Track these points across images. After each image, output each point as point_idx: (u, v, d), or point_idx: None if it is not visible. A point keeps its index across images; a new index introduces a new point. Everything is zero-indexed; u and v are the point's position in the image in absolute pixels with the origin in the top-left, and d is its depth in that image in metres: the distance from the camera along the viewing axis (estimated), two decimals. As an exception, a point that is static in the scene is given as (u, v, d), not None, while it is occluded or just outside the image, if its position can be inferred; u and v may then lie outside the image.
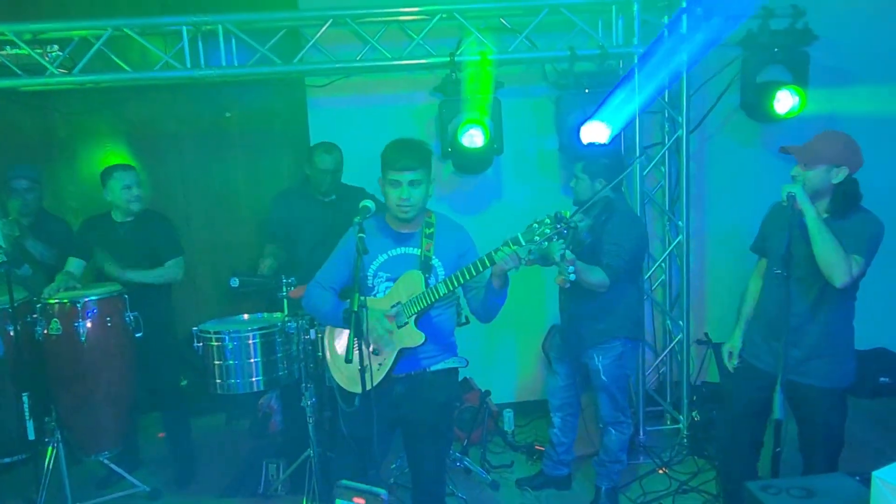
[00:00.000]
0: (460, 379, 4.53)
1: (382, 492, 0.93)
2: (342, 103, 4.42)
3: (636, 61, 3.96)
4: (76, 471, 3.77)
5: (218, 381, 3.50)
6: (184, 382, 4.41)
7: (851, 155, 2.65)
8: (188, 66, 3.87)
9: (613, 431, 3.57)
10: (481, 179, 4.17)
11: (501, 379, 4.68)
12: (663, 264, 4.49)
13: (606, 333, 3.42)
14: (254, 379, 3.53)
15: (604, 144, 3.69)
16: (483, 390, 4.46)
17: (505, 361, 4.71)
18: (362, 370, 2.34)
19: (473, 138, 3.83)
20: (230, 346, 3.46)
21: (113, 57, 3.94)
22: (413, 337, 2.60)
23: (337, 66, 4.05)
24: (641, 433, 4.34)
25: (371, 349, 2.62)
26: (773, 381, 2.72)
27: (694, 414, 4.38)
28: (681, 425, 4.40)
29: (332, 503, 0.96)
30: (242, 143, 5.10)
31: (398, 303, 2.60)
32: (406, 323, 2.60)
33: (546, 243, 2.44)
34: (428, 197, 2.65)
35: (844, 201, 2.66)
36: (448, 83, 3.88)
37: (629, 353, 3.55)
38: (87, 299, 3.54)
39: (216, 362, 3.48)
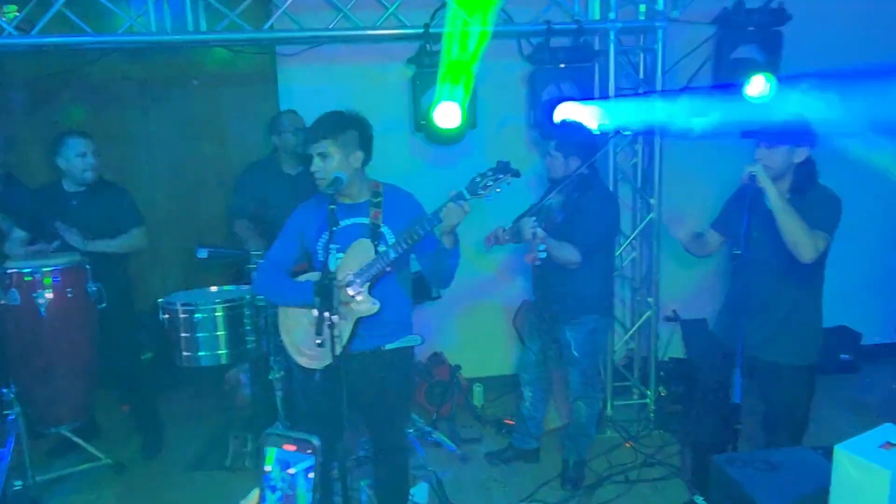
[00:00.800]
0: (432, 353, 4.59)
1: (314, 438, 0.91)
2: (314, 73, 4.33)
3: (612, 37, 3.94)
4: (36, 444, 3.70)
5: (185, 353, 3.44)
6: (147, 355, 4.34)
7: (810, 135, 2.72)
8: (153, 30, 3.73)
9: (583, 406, 3.61)
10: (452, 152, 4.11)
11: (472, 354, 4.69)
12: (634, 242, 4.51)
13: (579, 309, 3.44)
14: (220, 352, 3.49)
15: (577, 122, 3.67)
16: (453, 365, 4.47)
17: (476, 336, 4.71)
18: (332, 342, 2.30)
19: (448, 117, 3.77)
20: (197, 319, 3.40)
21: (74, 18, 3.78)
22: (368, 305, 2.59)
23: (308, 34, 3.95)
24: (609, 408, 4.39)
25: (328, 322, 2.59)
26: (745, 356, 2.77)
27: (660, 389, 4.45)
28: (647, 400, 4.46)
29: (262, 451, 0.94)
30: (210, 111, 4.98)
31: (350, 272, 2.58)
32: (360, 292, 2.58)
33: (490, 194, 2.45)
34: (350, 166, 2.59)
35: (805, 180, 2.73)
36: (422, 55, 3.81)
37: (601, 329, 3.58)
38: (47, 269, 3.43)
39: (183, 334, 3.42)
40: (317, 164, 2.56)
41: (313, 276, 2.65)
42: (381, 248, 2.59)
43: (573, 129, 3.53)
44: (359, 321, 2.60)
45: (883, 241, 4.92)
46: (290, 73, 4.37)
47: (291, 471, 0.96)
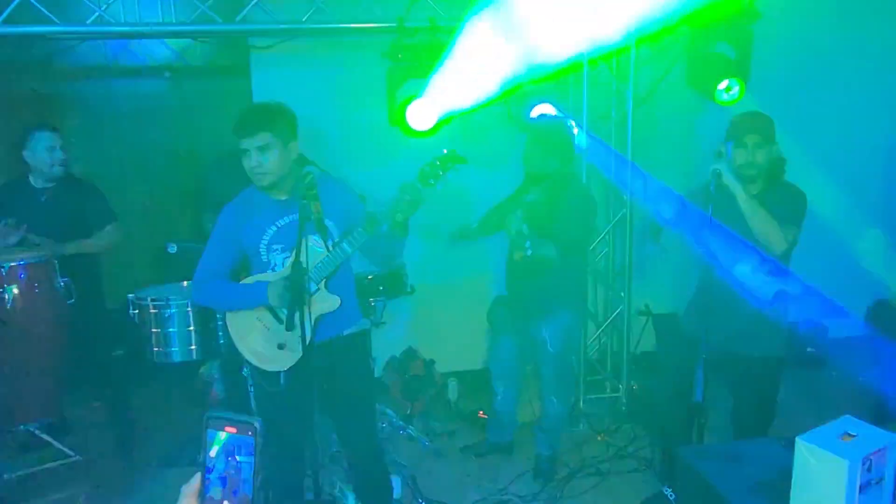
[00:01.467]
0: (406, 348, 4.59)
1: (256, 420, 0.91)
2: (288, 66, 4.28)
3: (586, 33, 3.96)
4: (5, 440, 3.65)
5: (155, 349, 3.43)
6: (120, 351, 4.28)
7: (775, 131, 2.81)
8: (122, 20, 3.68)
9: (556, 400, 3.64)
10: (428, 144, 4.10)
11: (446, 348, 4.70)
12: (607, 236, 4.55)
13: (554, 305, 3.46)
14: (192, 347, 3.47)
15: (554, 116, 3.69)
16: (427, 359, 4.47)
17: (450, 331, 4.72)
18: (303, 343, 2.29)
19: (421, 118, 3.76)
20: (168, 314, 3.38)
21: (41, 8, 3.70)
22: (329, 302, 2.57)
23: (281, 26, 3.91)
24: (582, 401, 4.44)
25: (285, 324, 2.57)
26: (710, 350, 2.80)
27: (632, 383, 4.50)
28: (620, 394, 4.51)
29: (204, 434, 0.94)
30: (183, 103, 4.92)
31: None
32: (318, 289, 2.56)
33: (440, 183, 2.47)
34: (290, 159, 2.56)
35: (778, 174, 2.82)
36: (397, 48, 3.80)
37: (575, 324, 3.62)
38: (13, 264, 3.38)
39: (153, 330, 3.40)
40: (255, 159, 2.48)
41: (260, 278, 2.60)
42: (330, 243, 2.56)
43: (551, 123, 3.54)
44: (320, 317, 2.59)
45: (847, 235, 5.01)
46: (263, 66, 4.32)
47: (234, 455, 0.95)
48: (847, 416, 1.90)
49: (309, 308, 2.47)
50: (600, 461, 3.82)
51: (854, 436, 1.80)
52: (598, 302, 4.76)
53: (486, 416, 4.14)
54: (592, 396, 4.54)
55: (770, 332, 2.87)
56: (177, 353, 3.43)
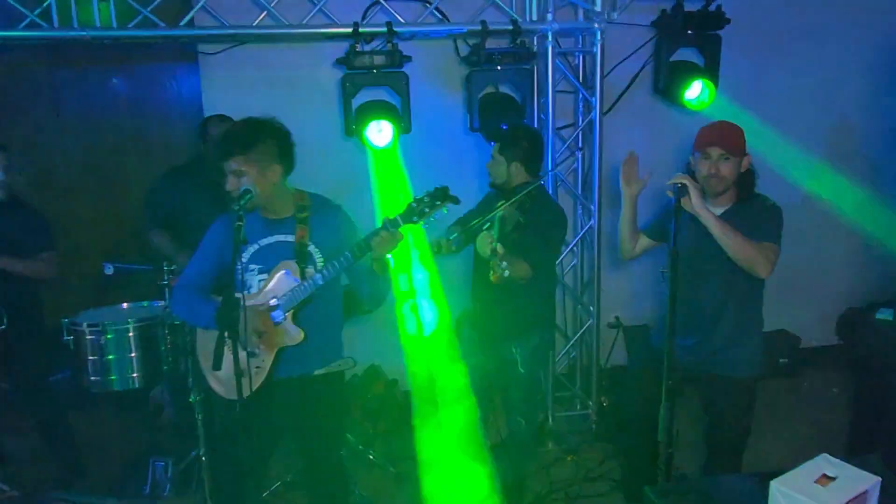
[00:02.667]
0: (369, 366, 4.40)
1: (110, 499, 0.73)
2: (239, 74, 4.06)
3: (550, 38, 3.82)
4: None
5: (92, 377, 3.19)
6: (64, 375, 4.03)
7: (745, 142, 2.66)
8: (56, 24, 3.44)
9: (523, 422, 3.47)
10: (385, 157, 3.93)
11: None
12: (575, 249, 4.41)
13: (525, 324, 3.29)
14: (133, 375, 3.24)
15: (524, 125, 3.53)
16: (390, 379, 4.29)
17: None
18: (238, 375, 2.09)
19: (381, 135, 3.61)
20: (105, 340, 3.15)
21: (-33, 12, 3.47)
22: (291, 335, 2.40)
23: (229, 31, 3.71)
24: (550, 419, 4.29)
25: (246, 351, 2.41)
26: (684, 371, 2.68)
27: (602, 399, 4.36)
28: (590, 410, 4.37)
29: None
30: (131, 112, 4.68)
31: (273, 297, 2.37)
32: (284, 319, 2.39)
33: (426, 221, 2.31)
34: (268, 181, 2.39)
35: (748, 189, 2.67)
36: (352, 55, 3.61)
37: (545, 343, 3.45)
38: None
39: (90, 357, 3.16)
40: (231, 182, 2.35)
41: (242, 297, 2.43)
42: (309, 270, 2.40)
43: (519, 132, 3.36)
44: (282, 350, 2.41)
45: (819, 244, 4.94)
46: (213, 72, 4.11)
47: None
48: (825, 455, 1.76)
49: (270, 338, 2.31)
50: (569, 484, 3.66)
51: (833, 478, 1.66)
52: (567, 316, 4.60)
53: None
54: (562, 413, 4.40)
55: (745, 352, 2.74)
56: (116, 382, 3.19)
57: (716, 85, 3.95)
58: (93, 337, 3.14)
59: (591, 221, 4.13)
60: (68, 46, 3.96)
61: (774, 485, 1.63)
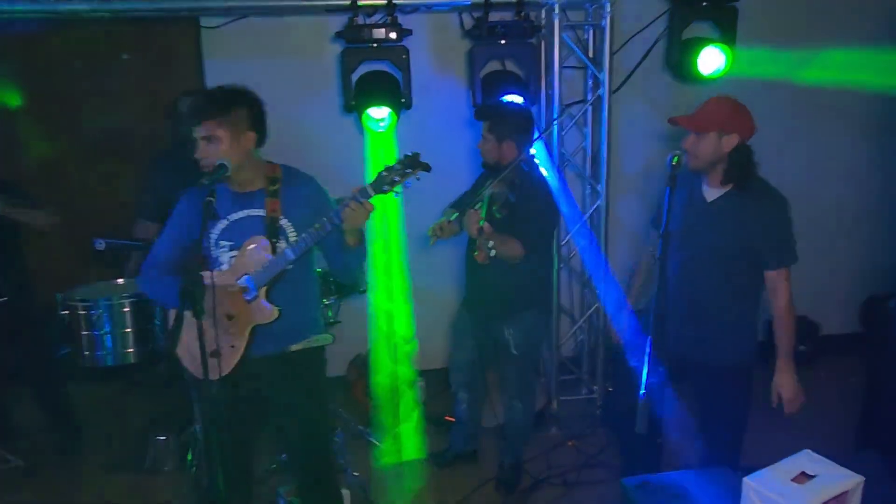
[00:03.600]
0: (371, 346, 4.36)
1: None
2: (241, 48, 4.02)
3: (557, 11, 3.68)
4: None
5: (86, 353, 3.19)
6: (65, 350, 4.07)
7: (741, 120, 2.46)
8: (54, -1, 3.43)
9: (519, 405, 3.42)
10: (386, 133, 3.85)
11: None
12: (582, 229, 4.28)
13: (517, 305, 3.22)
14: (128, 350, 3.24)
15: (514, 103, 3.42)
16: (392, 359, 4.25)
17: (419, 329, 4.49)
18: (204, 355, 2.05)
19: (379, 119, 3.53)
20: (99, 315, 3.15)
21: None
22: (264, 312, 2.34)
23: (228, 4, 3.64)
24: (555, 403, 4.21)
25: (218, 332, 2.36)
26: (677, 358, 2.58)
27: (608, 385, 4.26)
28: (595, 395, 4.28)
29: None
30: (141, 88, 4.66)
31: (244, 275, 2.32)
32: (256, 297, 2.34)
33: (397, 190, 2.23)
34: (242, 149, 2.31)
35: (740, 171, 2.47)
36: (351, 28, 3.53)
37: (539, 324, 3.36)
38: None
39: (84, 332, 3.17)
40: (202, 149, 2.28)
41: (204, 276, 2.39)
42: (280, 245, 2.34)
43: (509, 110, 3.27)
44: (256, 327, 2.37)
45: (841, 229, 4.74)
46: (216, 47, 4.06)
47: None
48: (807, 450, 1.66)
49: (243, 316, 2.27)
50: (567, 470, 3.59)
51: (812, 476, 1.55)
52: (575, 298, 4.50)
53: (452, 419, 3.90)
54: (567, 398, 4.31)
55: (735, 340, 2.62)
56: (109, 357, 3.19)
57: (733, 50, 3.75)
58: (86, 312, 3.14)
59: (599, 202, 4.00)
60: (81, 24, 3.96)
61: (747, 482, 1.53)
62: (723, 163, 2.47)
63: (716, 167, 2.49)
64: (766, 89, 4.02)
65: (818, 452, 1.75)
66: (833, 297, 4.90)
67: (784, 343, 2.57)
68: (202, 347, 2.00)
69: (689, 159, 2.50)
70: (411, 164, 2.21)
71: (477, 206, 2.92)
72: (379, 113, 3.52)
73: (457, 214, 3.04)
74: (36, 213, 3.40)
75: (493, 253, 2.76)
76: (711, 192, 2.54)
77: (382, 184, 2.20)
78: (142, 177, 3.69)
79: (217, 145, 2.27)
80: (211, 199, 2.10)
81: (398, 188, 2.22)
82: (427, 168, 2.25)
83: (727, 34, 3.78)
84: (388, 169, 2.22)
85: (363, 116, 3.55)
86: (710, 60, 3.71)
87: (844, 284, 4.90)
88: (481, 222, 2.78)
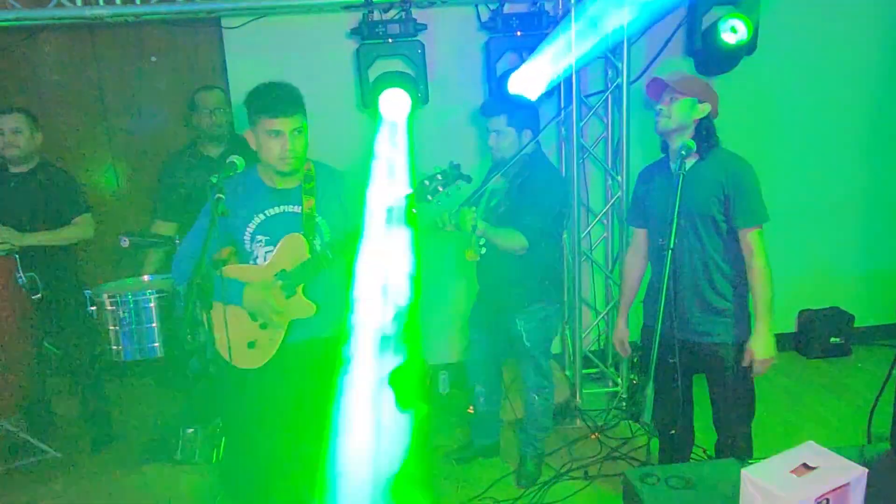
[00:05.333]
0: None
1: None
2: (261, 47, 4.08)
3: (572, 1, 3.65)
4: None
5: (114, 347, 3.30)
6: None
7: (713, 95, 2.58)
8: (79, 3, 3.53)
9: (537, 398, 3.41)
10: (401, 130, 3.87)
11: (437, 340, 4.49)
12: (604, 221, 4.26)
13: (528, 297, 3.21)
14: (155, 345, 3.33)
15: (518, 95, 3.40)
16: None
17: (439, 322, 4.51)
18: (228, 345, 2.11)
19: (396, 107, 3.53)
20: (125, 311, 3.24)
21: (1, -6, 3.60)
22: (304, 308, 2.40)
23: (249, 4, 3.71)
24: (578, 396, 4.19)
25: (258, 323, 2.43)
26: (682, 342, 2.57)
27: (633, 376, 4.22)
28: (619, 388, 4.24)
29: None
30: (169, 90, 4.77)
31: (282, 270, 2.36)
32: (294, 294, 2.38)
33: (439, 199, 2.25)
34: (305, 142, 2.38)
35: (706, 140, 2.53)
36: (365, 25, 3.56)
37: (551, 316, 3.35)
38: (-30, 260, 3.31)
39: (111, 327, 3.27)
40: (290, 141, 2.31)
41: (239, 269, 2.43)
42: (317, 243, 2.38)
43: (521, 100, 3.26)
44: (292, 322, 2.42)
45: (875, 220, 4.60)
46: (236, 47, 4.13)
47: None
48: (810, 442, 1.63)
49: (282, 312, 2.34)
50: (589, 463, 3.57)
51: (813, 468, 1.52)
52: (597, 291, 4.46)
53: (472, 411, 3.92)
54: (592, 391, 4.28)
55: (732, 317, 2.60)
56: (137, 351, 3.29)
57: (756, 21, 3.67)
58: (113, 308, 3.23)
59: (620, 193, 3.96)
60: (108, 28, 4.08)
61: (745, 473, 1.51)
62: (689, 129, 2.52)
63: (683, 133, 2.53)
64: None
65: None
66: (867, 288, 4.76)
67: (762, 303, 2.52)
68: (227, 337, 2.07)
69: (661, 119, 2.55)
70: (454, 175, 2.22)
71: (472, 205, 2.89)
72: (395, 96, 3.50)
73: (447, 213, 2.99)
74: (61, 232, 3.55)
75: (483, 251, 2.76)
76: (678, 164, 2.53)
77: (425, 193, 2.22)
78: (160, 177, 3.77)
79: (302, 139, 2.33)
80: (221, 196, 2.14)
81: (439, 198, 2.24)
82: (469, 179, 2.28)
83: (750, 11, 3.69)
84: (429, 178, 2.23)
85: (377, 112, 3.55)
86: (730, 34, 3.64)
87: (879, 275, 4.75)
88: (476, 221, 2.76)
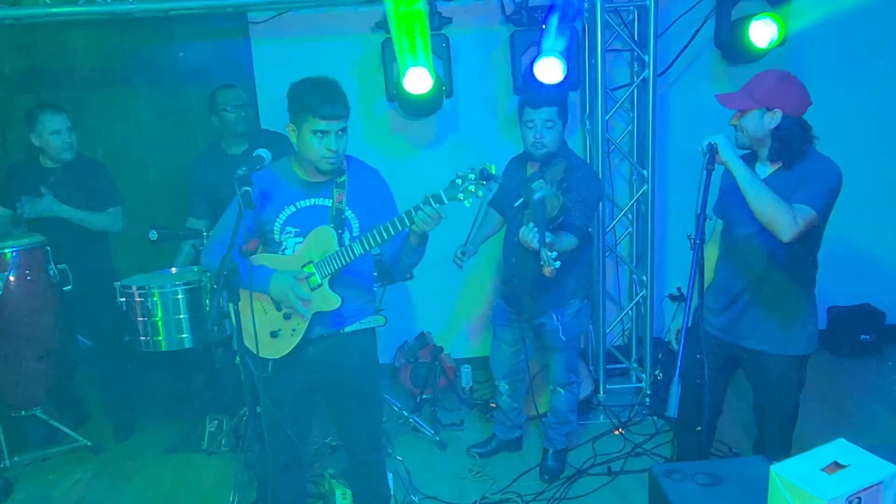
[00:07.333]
0: (419, 333, 4.42)
1: None
2: (287, 42, 4.11)
3: (599, -6, 3.61)
4: (14, 426, 3.69)
5: (143, 338, 3.34)
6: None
7: (786, 94, 2.31)
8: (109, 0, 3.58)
9: (563, 393, 3.40)
10: (428, 122, 3.87)
11: (460, 334, 4.50)
12: (629, 215, 4.22)
13: (565, 293, 3.19)
14: (183, 336, 3.38)
15: (556, 84, 3.37)
16: (436, 346, 4.29)
17: (463, 316, 4.51)
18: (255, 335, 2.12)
19: (419, 82, 3.52)
20: (153, 302, 3.29)
21: (34, -10, 3.65)
22: (328, 301, 2.40)
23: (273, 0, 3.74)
24: (602, 391, 4.17)
25: (282, 313, 2.45)
26: (725, 345, 2.55)
27: (657, 373, 4.19)
28: (643, 384, 4.21)
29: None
30: (197, 84, 4.81)
31: (310, 262, 2.38)
32: (320, 285, 2.40)
33: (470, 199, 2.22)
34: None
35: (785, 148, 2.34)
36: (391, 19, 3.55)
37: (584, 311, 3.33)
38: (6, 250, 3.38)
39: (140, 318, 3.32)
40: (335, 142, 2.30)
41: (268, 258, 2.45)
42: (345, 237, 2.39)
43: (562, 91, 3.20)
44: (316, 313, 2.44)
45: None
46: (262, 42, 4.17)
47: None
48: (841, 439, 1.60)
49: (308, 302, 2.36)
50: (613, 459, 3.55)
51: (844, 466, 1.50)
52: (622, 286, 4.43)
53: (495, 406, 3.92)
54: (616, 387, 4.26)
55: (784, 326, 2.51)
56: (164, 343, 3.34)
57: (787, 22, 3.59)
58: (142, 300, 3.28)
59: (645, 187, 3.92)
60: (138, 22, 4.13)
61: (774, 470, 1.49)
62: (767, 140, 2.37)
63: (763, 144, 2.39)
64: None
65: (880, 444, 1.69)
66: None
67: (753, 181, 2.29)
68: (253, 328, 2.09)
69: (737, 136, 2.42)
70: (485, 177, 2.20)
71: (532, 223, 2.76)
72: (418, 74, 3.47)
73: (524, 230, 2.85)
74: (96, 217, 3.63)
75: (557, 265, 2.67)
76: (763, 171, 2.44)
77: (457, 192, 2.19)
78: (190, 177, 3.81)
79: (346, 136, 2.34)
80: (248, 188, 2.16)
81: (471, 197, 2.21)
82: (499, 180, 2.23)
83: (780, 6, 3.63)
84: (461, 177, 2.20)
85: (405, 95, 3.53)
86: (763, 32, 3.57)
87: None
88: (542, 234, 2.65)
